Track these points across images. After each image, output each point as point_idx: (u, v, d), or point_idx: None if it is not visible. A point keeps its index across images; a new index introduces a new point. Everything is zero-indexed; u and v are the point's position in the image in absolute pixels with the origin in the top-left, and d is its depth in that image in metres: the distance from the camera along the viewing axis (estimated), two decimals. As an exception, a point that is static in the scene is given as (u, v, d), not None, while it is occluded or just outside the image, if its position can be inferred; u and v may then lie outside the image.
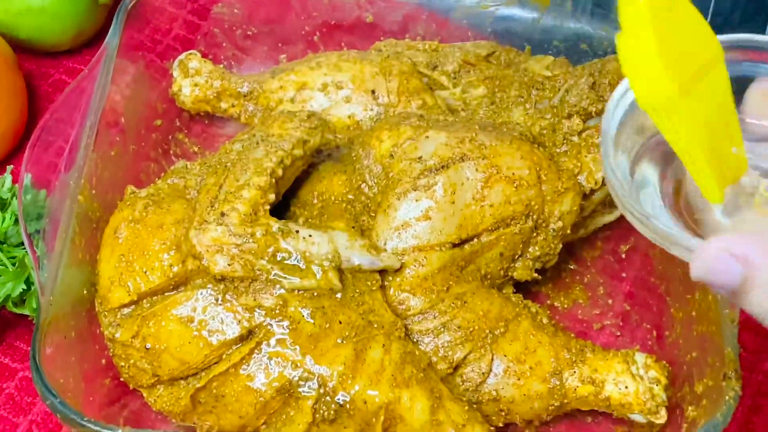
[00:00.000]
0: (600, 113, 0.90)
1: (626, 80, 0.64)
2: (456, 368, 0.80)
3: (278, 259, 0.77)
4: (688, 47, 0.61)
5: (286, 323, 0.77)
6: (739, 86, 0.66)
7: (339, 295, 0.78)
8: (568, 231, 0.87)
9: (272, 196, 0.80)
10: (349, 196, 0.85)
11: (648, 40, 0.58)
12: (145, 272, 0.80)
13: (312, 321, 0.77)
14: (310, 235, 0.79)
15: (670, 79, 0.59)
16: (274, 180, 0.80)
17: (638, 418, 0.81)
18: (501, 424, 0.82)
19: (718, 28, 1.21)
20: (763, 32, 1.18)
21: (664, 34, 0.58)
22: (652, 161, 0.68)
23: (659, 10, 0.58)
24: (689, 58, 0.60)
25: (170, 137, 1.03)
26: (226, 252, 0.77)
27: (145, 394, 0.82)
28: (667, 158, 0.67)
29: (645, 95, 0.60)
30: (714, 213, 0.65)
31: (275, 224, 0.78)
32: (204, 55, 1.03)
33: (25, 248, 0.85)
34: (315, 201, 0.86)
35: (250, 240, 0.77)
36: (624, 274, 0.96)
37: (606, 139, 0.66)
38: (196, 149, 1.03)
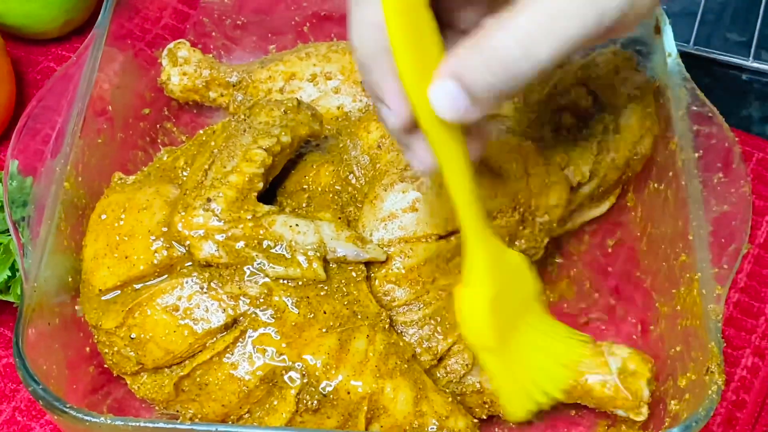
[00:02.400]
0: (588, 107, 0.90)
1: None
2: (440, 360, 0.80)
3: (264, 247, 0.77)
4: (512, 295, 0.72)
5: (270, 312, 0.77)
6: None
7: (324, 286, 0.78)
8: (555, 225, 0.87)
9: (260, 184, 0.80)
10: (336, 187, 0.85)
11: (482, 302, 0.69)
12: (130, 258, 0.79)
13: (296, 310, 0.77)
14: (296, 224, 0.79)
15: (493, 334, 0.70)
16: (262, 167, 0.80)
17: (621, 412, 0.81)
18: (484, 417, 0.83)
19: (709, 25, 1.22)
20: (753, 29, 1.19)
21: (497, 293, 0.70)
22: None
23: (495, 269, 0.69)
24: (512, 306, 0.72)
25: (158, 126, 1.03)
26: (211, 238, 0.77)
27: (128, 381, 0.82)
28: None
29: (472, 339, 0.72)
30: None
31: (262, 212, 0.78)
32: (193, 45, 1.03)
33: (10, 235, 0.85)
34: (302, 191, 0.86)
35: (237, 227, 0.77)
36: (610, 269, 0.96)
37: None
38: (184, 138, 1.03)
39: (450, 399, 0.78)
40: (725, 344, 0.76)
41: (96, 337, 0.81)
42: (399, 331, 0.80)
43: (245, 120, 0.85)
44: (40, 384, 0.72)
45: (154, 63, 1.03)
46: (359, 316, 0.78)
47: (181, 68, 1.00)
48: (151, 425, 0.70)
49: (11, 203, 0.81)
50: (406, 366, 0.77)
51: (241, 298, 0.77)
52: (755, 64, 1.17)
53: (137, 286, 0.80)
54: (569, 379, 0.79)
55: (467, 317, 0.71)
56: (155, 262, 0.79)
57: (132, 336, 0.79)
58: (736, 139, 0.85)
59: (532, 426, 0.85)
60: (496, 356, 0.72)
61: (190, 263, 0.79)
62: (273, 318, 0.77)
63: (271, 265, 0.77)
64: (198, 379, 0.78)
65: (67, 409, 0.71)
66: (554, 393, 0.74)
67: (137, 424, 0.70)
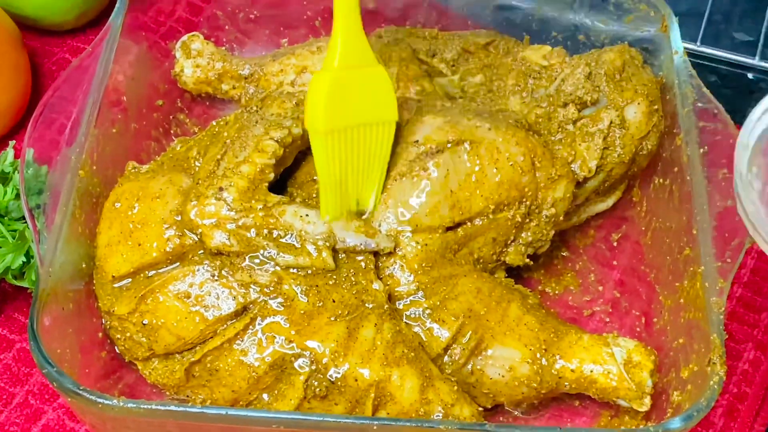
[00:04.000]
0: (595, 103, 0.91)
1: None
2: (446, 349, 0.81)
3: (274, 236, 0.79)
4: (360, 103, 0.81)
5: (280, 300, 0.78)
6: None
7: (333, 275, 0.80)
8: (561, 218, 0.89)
9: (271, 175, 0.81)
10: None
11: (323, 84, 0.80)
12: (143, 245, 0.81)
13: (305, 299, 0.78)
14: (306, 214, 0.80)
15: (324, 119, 0.79)
16: (273, 157, 0.81)
17: (624, 403, 0.82)
18: (489, 406, 0.84)
19: (716, 24, 1.23)
20: (760, 29, 1.19)
21: (341, 83, 0.80)
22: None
23: (348, 67, 0.80)
24: (355, 111, 0.80)
25: (171, 117, 1.04)
26: (223, 227, 0.78)
27: (140, 367, 0.83)
28: None
29: (307, 120, 0.82)
30: None
31: (273, 201, 0.80)
32: (207, 38, 1.04)
33: (25, 222, 0.87)
34: (312, 182, 0.87)
35: (248, 216, 0.78)
36: (615, 262, 0.97)
37: (742, 151, 0.70)
38: (196, 130, 1.05)
39: (456, 387, 0.79)
40: (728, 337, 0.77)
41: (108, 322, 0.83)
42: (406, 320, 0.82)
43: (257, 111, 0.86)
44: (55, 366, 0.73)
45: (168, 55, 1.04)
46: (367, 305, 0.79)
47: (195, 60, 1.02)
48: (162, 408, 0.72)
49: (27, 191, 0.82)
50: (413, 354, 0.78)
51: (252, 286, 0.79)
52: (762, 64, 1.18)
53: (150, 273, 0.82)
54: (352, 206, 0.83)
55: (309, 96, 0.81)
56: (168, 249, 0.81)
57: (144, 322, 0.80)
58: (741, 135, 0.86)
59: (537, 416, 0.86)
60: (322, 146, 0.80)
61: (201, 251, 0.81)
62: (282, 306, 0.78)
63: (281, 254, 0.79)
64: (208, 365, 0.79)
65: (80, 392, 0.72)
66: (354, 205, 0.83)
67: (149, 407, 0.72)
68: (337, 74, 0.80)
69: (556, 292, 0.95)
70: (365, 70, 0.81)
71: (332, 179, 0.81)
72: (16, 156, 0.92)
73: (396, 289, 0.82)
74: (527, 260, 0.89)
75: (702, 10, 1.23)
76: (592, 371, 0.82)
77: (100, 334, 0.84)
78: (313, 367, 0.77)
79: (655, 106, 0.92)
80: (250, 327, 0.78)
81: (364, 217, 0.83)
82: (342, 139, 0.81)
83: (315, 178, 0.87)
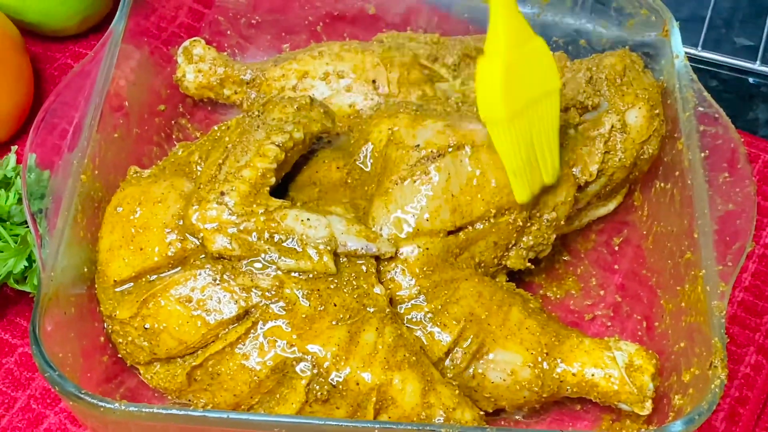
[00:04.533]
0: (596, 107, 0.92)
1: None
2: (447, 353, 0.81)
3: (276, 240, 0.79)
4: (530, 80, 0.80)
5: (281, 304, 0.78)
6: None
7: (334, 279, 0.80)
8: (562, 222, 0.89)
9: (272, 179, 0.81)
10: (347, 182, 0.87)
11: (496, 71, 0.78)
12: (145, 249, 0.81)
13: (307, 303, 0.79)
14: (307, 219, 0.80)
15: (504, 106, 0.79)
16: (274, 162, 0.81)
17: (625, 407, 0.83)
18: (490, 410, 0.84)
19: (717, 29, 1.24)
20: (761, 34, 1.20)
21: (512, 66, 0.78)
22: None
23: (514, 46, 0.78)
24: (528, 89, 0.80)
25: (173, 122, 1.04)
26: (224, 231, 0.78)
27: (141, 371, 0.83)
28: None
29: (484, 112, 0.81)
30: None
31: (274, 206, 0.80)
32: (208, 43, 1.04)
33: (27, 226, 0.87)
34: (313, 186, 0.87)
35: (249, 220, 0.79)
36: (616, 266, 0.97)
37: None
38: (198, 135, 1.05)
39: (457, 391, 0.79)
40: (729, 341, 0.77)
41: (110, 327, 0.83)
42: (407, 324, 0.82)
43: (259, 116, 0.86)
44: (57, 371, 0.73)
45: (170, 60, 1.05)
46: (369, 309, 0.79)
47: (196, 65, 1.02)
48: (164, 412, 0.72)
49: (29, 195, 0.83)
50: (414, 358, 0.78)
51: (253, 290, 0.79)
52: (763, 68, 1.18)
53: (151, 278, 0.82)
54: (539, 184, 0.84)
55: (481, 87, 0.80)
56: (169, 254, 0.81)
57: (146, 326, 0.80)
58: (742, 139, 0.86)
59: (538, 420, 0.86)
60: (505, 133, 0.80)
61: (203, 255, 0.81)
62: (284, 310, 0.79)
63: (282, 258, 0.79)
64: (210, 369, 0.79)
65: (82, 396, 0.72)
66: (546, 178, 0.84)
67: (150, 410, 0.72)
68: (506, 57, 0.78)
69: (558, 296, 0.95)
70: (529, 45, 0.80)
71: (520, 163, 0.81)
72: (19, 161, 0.93)
73: (397, 293, 0.82)
74: (528, 264, 0.89)
75: (703, 15, 1.23)
76: (593, 375, 0.82)
77: (102, 339, 0.84)
78: (315, 371, 0.77)
79: (656, 111, 0.92)
80: (252, 331, 0.79)
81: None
82: (521, 121, 0.80)
83: (316, 182, 0.87)
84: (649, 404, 0.81)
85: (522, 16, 0.79)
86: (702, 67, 1.18)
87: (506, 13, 0.78)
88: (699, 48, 1.19)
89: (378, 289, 0.80)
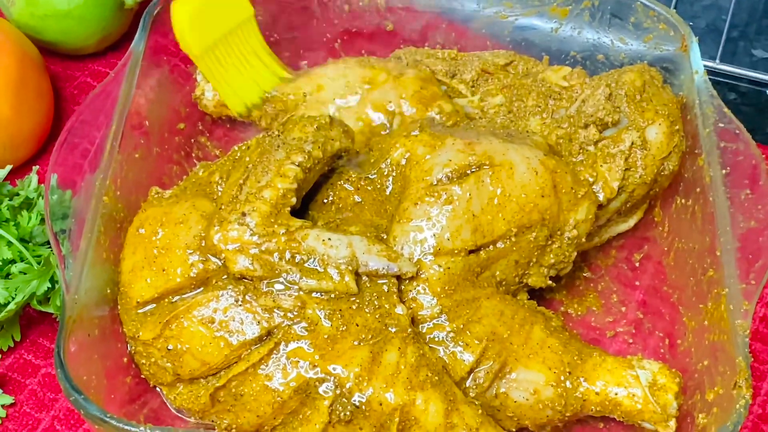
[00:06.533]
0: (616, 124, 0.91)
1: None
2: (469, 372, 0.81)
3: (297, 260, 0.79)
4: (221, 16, 0.98)
5: (303, 325, 0.79)
6: None
7: (356, 299, 0.80)
8: (583, 239, 0.89)
9: (293, 199, 0.81)
10: (367, 201, 0.87)
11: (184, 16, 0.96)
12: (167, 270, 0.81)
13: (329, 323, 0.79)
14: (329, 239, 0.80)
15: (195, 43, 0.97)
16: (294, 182, 0.81)
17: (649, 426, 0.82)
18: (513, 429, 0.83)
19: (734, 41, 1.23)
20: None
21: (201, 9, 0.96)
22: None
23: None
24: (220, 24, 0.98)
25: (192, 140, 1.05)
26: (246, 252, 0.79)
27: (164, 392, 0.83)
28: None
29: (184, 50, 0.98)
30: None
31: (295, 226, 0.80)
32: (227, 61, 1.05)
33: (50, 247, 0.87)
34: (333, 205, 0.87)
35: (270, 240, 0.79)
36: (637, 283, 0.97)
37: None
38: (217, 152, 1.05)
39: (480, 411, 0.79)
40: (752, 358, 0.76)
41: (133, 348, 0.83)
42: (429, 343, 0.82)
43: (279, 136, 0.86)
44: (82, 394, 0.73)
45: (189, 78, 1.05)
46: (390, 329, 0.79)
47: (215, 84, 1.02)
48: (189, 435, 0.72)
49: (51, 216, 0.83)
50: (437, 378, 0.78)
51: (275, 310, 0.79)
52: (781, 80, 1.18)
53: (174, 299, 0.82)
54: (258, 95, 1.02)
55: (177, 29, 0.96)
56: (192, 275, 0.81)
57: (169, 347, 0.80)
58: (763, 156, 0.86)
59: (562, 438, 0.86)
60: (207, 63, 0.98)
61: (225, 276, 0.81)
62: (306, 330, 0.79)
63: (304, 278, 0.79)
64: (233, 390, 0.80)
65: (107, 419, 0.72)
66: (266, 87, 1.01)
67: (176, 433, 0.72)
68: (194, 2, 0.96)
69: (579, 313, 0.95)
70: None
71: (226, 87, 1.00)
72: (40, 181, 0.93)
73: (419, 313, 0.82)
74: (549, 282, 0.89)
75: (720, 26, 1.23)
76: (616, 394, 0.82)
77: (125, 360, 0.84)
78: (338, 392, 0.77)
79: (676, 127, 0.92)
80: (275, 352, 0.79)
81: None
82: (221, 49, 0.99)
83: (336, 201, 0.87)
84: (672, 423, 0.81)
85: None
86: (720, 79, 1.18)
87: None
88: (717, 60, 1.19)
89: (400, 309, 0.80)
